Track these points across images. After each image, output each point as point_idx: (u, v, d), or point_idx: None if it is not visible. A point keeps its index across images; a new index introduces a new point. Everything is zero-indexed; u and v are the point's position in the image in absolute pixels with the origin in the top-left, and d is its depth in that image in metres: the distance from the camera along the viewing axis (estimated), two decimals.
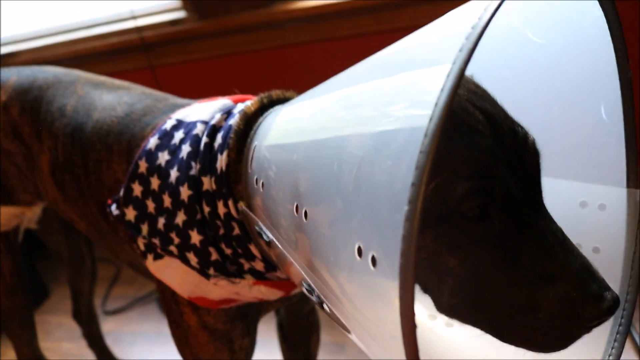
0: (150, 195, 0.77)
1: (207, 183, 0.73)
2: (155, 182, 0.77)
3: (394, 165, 0.40)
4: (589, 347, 0.62)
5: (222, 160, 0.72)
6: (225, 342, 0.82)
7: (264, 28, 1.84)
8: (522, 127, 0.58)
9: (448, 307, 0.57)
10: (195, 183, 0.74)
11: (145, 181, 0.78)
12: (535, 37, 0.68)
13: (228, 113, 0.78)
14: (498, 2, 0.42)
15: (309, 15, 1.78)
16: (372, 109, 0.47)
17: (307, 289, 0.56)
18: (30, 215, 1.19)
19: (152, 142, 0.80)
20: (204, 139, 0.75)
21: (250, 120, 0.73)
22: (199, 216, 0.74)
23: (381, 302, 0.41)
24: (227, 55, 1.92)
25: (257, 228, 0.66)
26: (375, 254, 0.41)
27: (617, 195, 0.68)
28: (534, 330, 0.53)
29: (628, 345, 1.40)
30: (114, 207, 0.80)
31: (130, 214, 0.78)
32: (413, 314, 0.37)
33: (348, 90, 0.55)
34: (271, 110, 0.74)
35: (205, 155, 0.74)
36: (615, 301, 0.51)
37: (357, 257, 0.43)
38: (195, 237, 0.74)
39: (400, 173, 0.38)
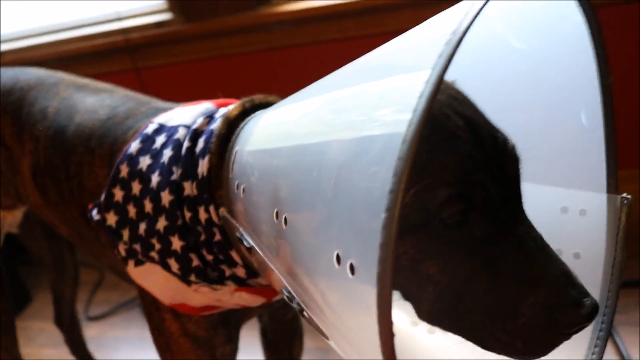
0: (132, 201, 0.76)
1: (189, 188, 0.73)
2: (136, 187, 0.76)
3: (372, 172, 0.40)
4: (570, 352, 0.62)
5: (203, 165, 0.72)
6: (207, 349, 0.81)
7: (250, 31, 1.84)
8: (502, 133, 0.58)
9: (429, 314, 0.57)
10: (176, 188, 0.74)
11: (126, 186, 0.77)
12: (517, 43, 0.68)
13: (210, 117, 0.77)
14: (478, 8, 0.42)
15: (295, 19, 1.78)
16: (360, 114, 0.47)
17: (287, 296, 0.56)
18: (11, 220, 1.18)
19: (134, 146, 0.79)
20: (186, 144, 0.75)
21: (232, 125, 0.73)
22: (180, 222, 0.73)
23: (360, 310, 0.41)
24: (213, 57, 1.92)
25: (237, 234, 0.65)
26: (353, 261, 0.41)
27: (597, 200, 0.68)
28: (513, 337, 0.53)
29: (610, 350, 1.41)
30: (94, 212, 0.80)
31: (111, 219, 0.78)
32: (391, 322, 0.37)
33: (332, 94, 0.55)
34: (253, 115, 0.73)
35: (186, 160, 0.74)
36: (594, 307, 0.51)
37: (336, 265, 0.43)
38: (177, 243, 0.73)
39: (378, 180, 0.38)
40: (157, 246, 0.74)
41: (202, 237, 0.73)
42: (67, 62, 1.99)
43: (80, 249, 1.17)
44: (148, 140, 0.79)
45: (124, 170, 0.78)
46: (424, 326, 0.69)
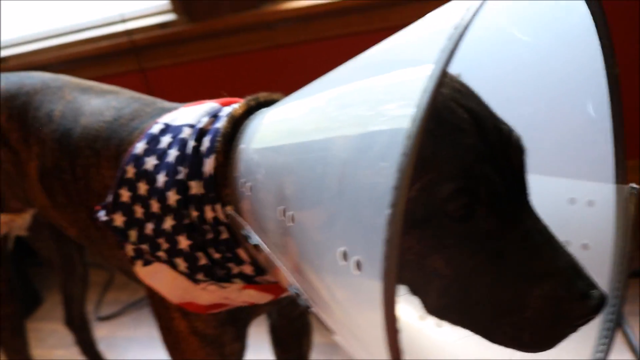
0: (138, 201, 0.77)
1: (195, 187, 0.73)
2: (143, 188, 0.77)
3: (377, 168, 0.40)
4: (579, 343, 0.62)
5: (209, 164, 0.72)
6: (216, 347, 0.81)
7: (254, 29, 1.83)
8: (506, 125, 0.58)
9: (436, 308, 0.57)
10: (183, 188, 0.74)
11: (133, 186, 0.77)
12: (522, 36, 0.68)
13: (215, 116, 0.77)
14: (480, 2, 0.42)
15: (299, 16, 1.78)
16: (365, 109, 0.47)
17: (294, 293, 0.56)
18: (20, 223, 1.18)
19: (140, 147, 0.79)
20: (191, 143, 0.75)
21: (238, 123, 0.73)
22: (187, 221, 0.73)
23: (365, 306, 0.41)
24: (217, 57, 1.92)
25: (244, 232, 0.65)
26: (359, 257, 0.41)
27: (605, 191, 0.68)
28: (521, 330, 0.52)
29: (620, 340, 1.41)
30: (102, 213, 0.80)
31: (119, 219, 0.78)
32: (396, 318, 0.37)
33: (336, 90, 0.55)
34: (258, 112, 0.73)
35: (192, 160, 0.74)
36: (602, 299, 0.51)
37: (342, 261, 0.43)
38: (184, 242, 0.73)
39: (383, 176, 0.38)
40: (165, 246, 0.74)
41: (209, 236, 0.73)
42: (72, 66, 1.99)
43: (88, 250, 1.17)
44: (154, 140, 0.79)
45: (131, 171, 0.78)
46: (432, 320, 0.69)
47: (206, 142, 0.74)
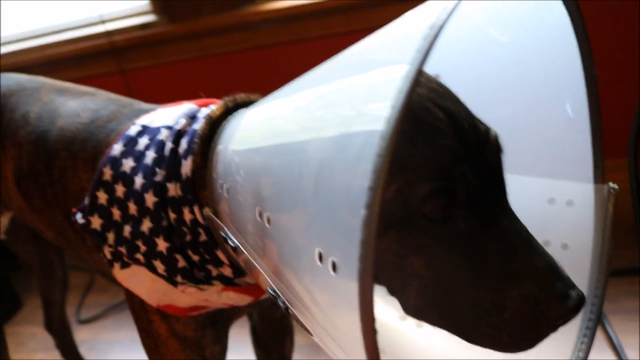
0: (116, 203, 0.76)
1: (173, 189, 0.72)
2: (120, 190, 0.76)
3: (352, 168, 0.39)
4: (560, 342, 0.62)
5: (187, 166, 0.71)
6: (196, 350, 0.81)
7: (235, 30, 1.83)
8: (483, 124, 0.58)
9: (415, 309, 0.57)
10: (160, 189, 0.73)
11: (110, 189, 0.76)
12: (501, 36, 0.68)
13: (193, 118, 0.77)
14: (456, 2, 0.42)
15: (281, 17, 1.77)
16: (340, 109, 0.47)
17: (272, 295, 0.55)
18: None
19: (117, 148, 0.78)
20: (169, 145, 0.74)
21: (215, 125, 0.72)
22: (165, 223, 0.73)
23: (343, 307, 0.40)
24: (199, 58, 1.91)
25: (222, 234, 0.65)
26: (335, 259, 0.40)
27: (584, 191, 0.68)
28: (499, 331, 0.52)
29: (601, 338, 1.41)
30: (79, 215, 0.79)
31: (96, 222, 0.77)
32: (373, 319, 0.37)
33: (312, 91, 0.55)
34: (236, 113, 0.73)
35: (170, 161, 0.73)
36: (580, 299, 0.51)
37: (318, 263, 0.43)
38: (162, 245, 0.73)
39: (358, 177, 0.38)
40: (143, 248, 0.74)
41: (188, 238, 0.72)
42: (51, 67, 1.98)
43: (67, 252, 1.16)
44: (131, 142, 0.78)
45: (107, 173, 0.77)
46: (412, 321, 0.69)
47: (184, 143, 0.73)
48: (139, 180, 0.74)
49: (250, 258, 0.59)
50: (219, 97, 0.82)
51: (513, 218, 0.55)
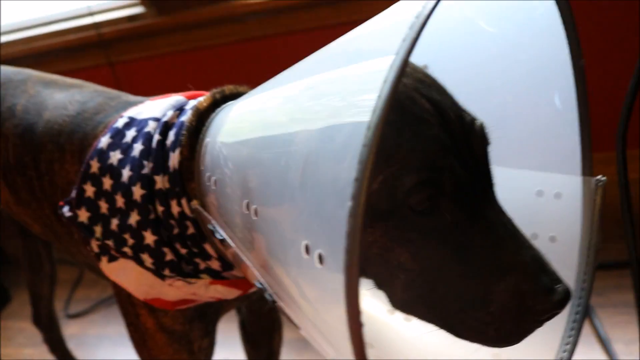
0: (103, 196, 0.75)
1: (160, 182, 0.72)
2: (107, 182, 0.75)
3: (338, 159, 0.39)
4: (547, 335, 0.62)
5: (174, 158, 0.71)
6: (184, 344, 0.80)
7: (224, 22, 1.82)
8: (469, 114, 0.58)
9: (401, 302, 0.57)
10: (148, 182, 0.72)
11: (97, 181, 0.76)
12: (489, 27, 0.68)
13: (180, 110, 0.76)
14: None
15: (270, 9, 1.77)
16: (329, 100, 0.46)
17: (260, 288, 0.55)
18: None
19: (104, 141, 0.78)
20: (156, 137, 0.74)
21: (203, 117, 0.72)
22: (152, 216, 0.72)
23: (329, 299, 0.40)
24: (187, 50, 1.90)
25: (210, 226, 0.65)
26: (321, 251, 0.40)
27: (572, 183, 0.68)
28: (485, 325, 0.52)
29: (588, 331, 1.42)
30: (66, 208, 0.78)
31: (83, 215, 0.76)
32: (359, 312, 0.36)
33: (300, 83, 0.54)
34: (224, 105, 0.72)
35: (157, 154, 0.73)
36: (566, 294, 0.51)
37: (305, 255, 0.42)
38: (149, 238, 0.72)
39: (344, 168, 0.37)
40: (130, 241, 0.73)
41: (176, 231, 0.72)
42: (39, 59, 1.96)
43: (55, 246, 1.15)
44: (118, 134, 0.78)
45: (95, 165, 0.76)
46: (400, 314, 0.69)
47: (171, 135, 0.73)
48: (126, 173, 0.74)
49: (238, 251, 0.59)
50: (207, 89, 0.81)
51: (500, 210, 0.55)
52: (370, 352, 0.38)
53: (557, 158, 0.70)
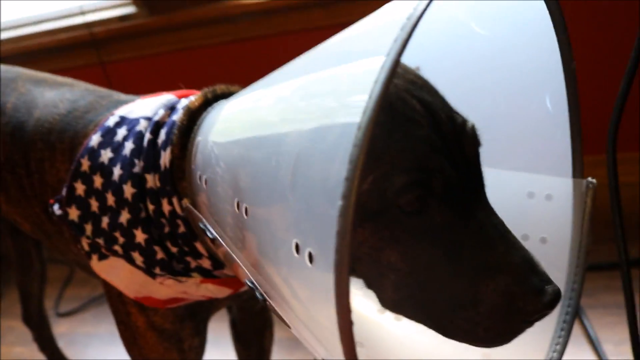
0: (94, 194, 0.75)
1: (151, 180, 0.72)
2: (98, 181, 0.75)
3: (329, 159, 0.39)
4: (538, 335, 0.62)
5: (165, 157, 0.71)
6: (174, 342, 0.80)
7: (216, 22, 1.82)
8: (460, 115, 0.58)
9: (391, 302, 0.57)
10: (139, 181, 0.72)
11: (88, 180, 0.76)
12: (480, 29, 0.68)
13: (172, 109, 0.76)
14: None
15: (262, 10, 1.77)
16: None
17: (250, 287, 0.55)
18: None
19: (95, 139, 0.78)
20: (147, 136, 0.74)
21: (194, 116, 0.72)
22: (143, 214, 0.72)
23: (319, 298, 0.40)
24: (179, 50, 1.90)
25: (201, 225, 0.65)
26: (311, 250, 0.40)
27: (563, 185, 0.69)
28: (475, 325, 0.52)
29: (578, 332, 1.43)
30: (56, 207, 0.78)
31: (74, 213, 0.76)
32: (349, 311, 0.37)
33: (292, 82, 0.54)
34: (215, 104, 0.72)
35: (148, 152, 0.73)
36: (556, 295, 0.51)
37: (295, 254, 0.42)
38: (140, 236, 0.72)
39: (335, 167, 0.37)
40: (121, 240, 0.73)
41: (166, 230, 0.72)
42: (30, 58, 1.96)
43: (45, 245, 1.15)
44: (109, 133, 0.77)
45: (85, 163, 0.76)
46: (390, 314, 0.69)
47: (162, 134, 0.73)
48: (117, 171, 0.74)
49: (229, 250, 0.59)
50: (199, 89, 0.81)
51: (490, 211, 0.55)
52: (360, 351, 0.38)
53: (548, 160, 0.70)
